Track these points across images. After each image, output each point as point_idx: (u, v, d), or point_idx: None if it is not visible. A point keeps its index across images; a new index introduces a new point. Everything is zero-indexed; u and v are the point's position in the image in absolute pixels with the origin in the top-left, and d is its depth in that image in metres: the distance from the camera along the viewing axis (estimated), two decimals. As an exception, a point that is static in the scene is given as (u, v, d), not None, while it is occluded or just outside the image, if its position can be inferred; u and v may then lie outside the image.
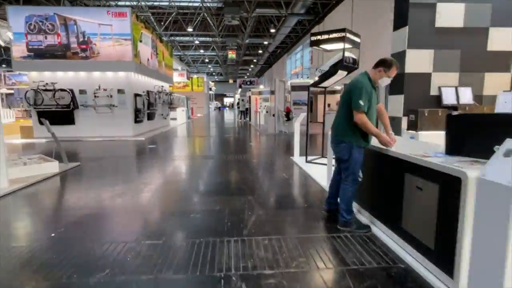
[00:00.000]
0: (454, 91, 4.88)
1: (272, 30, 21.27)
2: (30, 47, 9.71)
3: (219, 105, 49.85)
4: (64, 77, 10.20)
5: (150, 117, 12.74)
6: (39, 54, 9.78)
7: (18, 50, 9.69)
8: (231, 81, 47.25)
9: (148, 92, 12.22)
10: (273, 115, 12.04)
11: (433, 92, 4.90)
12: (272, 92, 16.31)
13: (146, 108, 11.97)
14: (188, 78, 26.99)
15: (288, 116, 11.97)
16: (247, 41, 23.82)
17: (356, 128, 2.69)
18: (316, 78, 5.87)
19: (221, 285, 2.03)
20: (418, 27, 4.77)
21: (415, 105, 4.73)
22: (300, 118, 6.43)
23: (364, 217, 3.10)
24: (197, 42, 26.86)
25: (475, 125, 2.20)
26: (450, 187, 1.90)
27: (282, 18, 18.70)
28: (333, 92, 14.48)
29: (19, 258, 2.41)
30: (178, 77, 24.19)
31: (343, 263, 2.29)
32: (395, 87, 4.98)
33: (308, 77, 19.71)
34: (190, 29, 21.60)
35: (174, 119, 18.28)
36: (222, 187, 4.48)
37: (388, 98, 5.37)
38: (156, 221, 3.23)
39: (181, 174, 5.50)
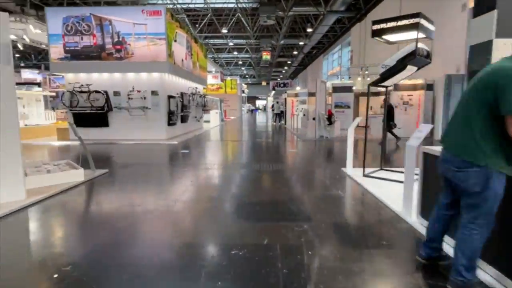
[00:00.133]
0: None
1: (309, 30, 20.28)
2: (67, 48, 9.62)
3: (252, 107, 49.38)
4: (99, 78, 10.03)
5: (184, 119, 12.31)
6: (75, 55, 9.67)
7: (56, 52, 9.64)
8: (264, 83, 46.74)
9: (182, 94, 11.79)
10: (313, 118, 11.03)
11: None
12: (310, 94, 15.32)
13: (179, 110, 11.54)
14: (222, 80, 26.72)
15: (330, 119, 10.90)
16: (282, 42, 23.00)
17: (501, 146, 1.72)
18: (378, 76, 4.87)
19: None
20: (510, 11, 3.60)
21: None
22: (354, 124, 5.43)
23: (488, 275, 2.09)
24: (231, 44, 26.56)
25: None
26: None
27: (320, 16, 17.67)
28: (377, 94, 13.16)
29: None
30: (212, 79, 23.92)
31: None
32: None
33: (349, 78, 18.43)
34: (224, 30, 21.26)
35: (208, 121, 17.91)
36: (266, 208, 3.63)
37: None
38: (188, 262, 2.44)
39: (215, 188, 4.73)
